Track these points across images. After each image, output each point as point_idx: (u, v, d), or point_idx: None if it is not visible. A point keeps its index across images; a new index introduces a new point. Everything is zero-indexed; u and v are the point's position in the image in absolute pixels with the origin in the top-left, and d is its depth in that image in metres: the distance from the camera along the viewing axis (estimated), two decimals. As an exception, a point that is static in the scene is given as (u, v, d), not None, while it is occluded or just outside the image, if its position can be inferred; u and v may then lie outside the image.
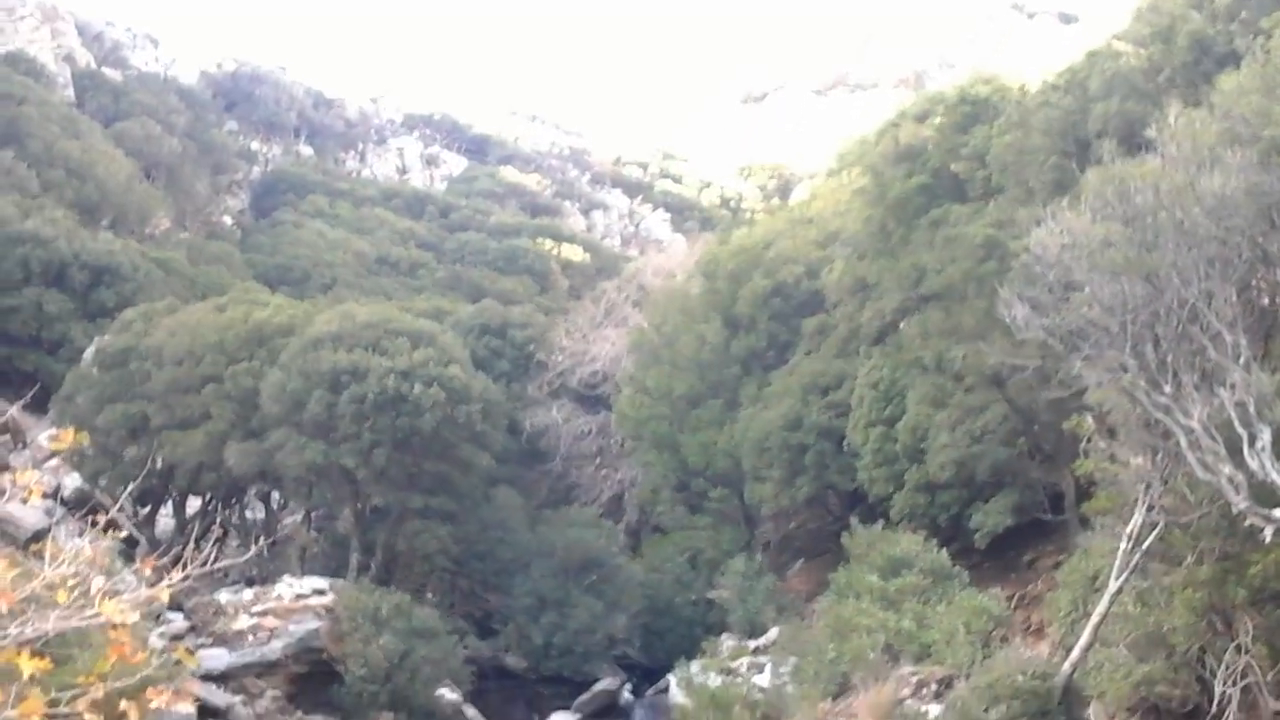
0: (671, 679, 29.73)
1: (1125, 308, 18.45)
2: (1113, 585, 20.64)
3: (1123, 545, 20.39)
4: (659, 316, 43.66)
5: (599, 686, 32.95)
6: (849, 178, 43.25)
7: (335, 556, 34.61)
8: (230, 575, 33.23)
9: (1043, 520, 28.90)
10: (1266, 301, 18.90)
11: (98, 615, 7.33)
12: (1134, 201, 18.49)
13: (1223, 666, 19.58)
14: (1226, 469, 17.78)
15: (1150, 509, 19.90)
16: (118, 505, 11.38)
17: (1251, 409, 17.30)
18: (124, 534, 27.51)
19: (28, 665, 6.66)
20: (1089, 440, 21.29)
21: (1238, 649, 19.66)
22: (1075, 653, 21.38)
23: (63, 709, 6.89)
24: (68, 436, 8.02)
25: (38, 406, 37.13)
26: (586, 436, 46.64)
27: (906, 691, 24.12)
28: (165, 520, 35.64)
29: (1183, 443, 18.61)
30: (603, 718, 32.27)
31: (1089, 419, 21.05)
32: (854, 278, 34.97)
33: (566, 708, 31.70)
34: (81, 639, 10.24)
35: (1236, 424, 17.37)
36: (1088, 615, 21.58)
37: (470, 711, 29.77)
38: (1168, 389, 18.75)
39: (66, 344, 42.87)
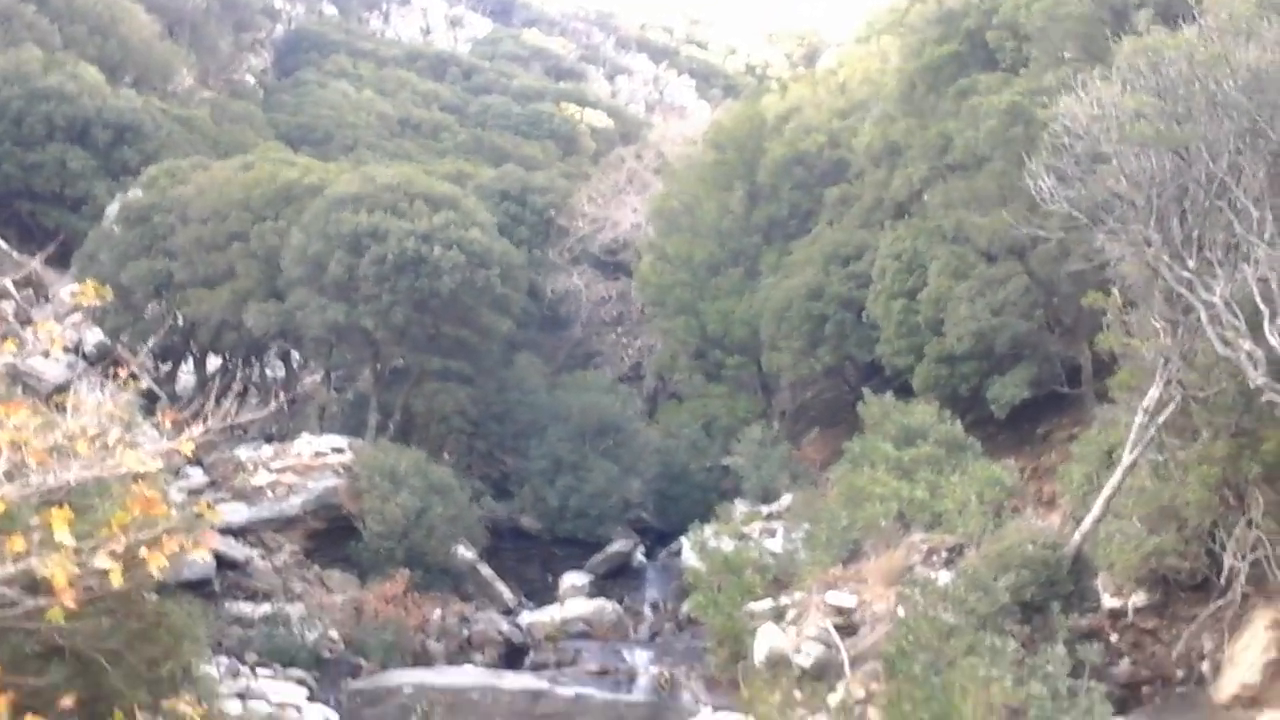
0: (684, 542, 30.01)
1: (1152, 181, 18.33)
2: (1127, 458, 20.72)
3: (1138, 419, 20.42)
4: (680, 184, 43.44)
5: (613, 548, 33.33)
6: (878, 45, 42.77)
7: (354, 416, 34.87)
8: (249, 432, 33.53)
9: (1060, 393, 28.95)
10: (1294, 177, 18.72)
11: (119, 466, 7.42)
12: (1167, 73, 18.27)
13: (1233, 540, 19.73)
14: (1246, 345, 17.78)
15: (1168, 383, 19.92)
16: (138, 359, 11.46)
17: (1274, 285, 17.25)
18: (144, 389, 27.75)
19: (59, 522, 6.73)
20: (1109, 314, 21.25)
21: (1249, 524, 19.81)
22: (1086, 524, 21.52)
23: (84, 558, 6.99)
24: (89, 289, 8.08)
25: (60, 262, 37.27)
26: (606, 303, 46.67)
27: (917, 558, 24.36)
28: (186, 377, 35.90)
29: (1203, 318, 18.59)
30: (616, 579, 32.68)
31: (1114, 292, 21.00)
32: (884, 141, 34.64)
33: (580, 568, 32.08)
34: (102, 490, 10.37)
35: (1258, 300, 17.33)
36: (1100, 488, 21.69)
37: (485, 570, 30.17)
38: (1191, 264, 18.69)
39: (89, 201, 42.86)
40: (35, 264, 29.72)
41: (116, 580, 6.91)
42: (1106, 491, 21.17)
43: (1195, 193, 18.27)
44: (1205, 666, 21.14)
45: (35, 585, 7.94)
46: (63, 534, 6.51)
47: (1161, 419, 20.38)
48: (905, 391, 30.81)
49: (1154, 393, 20.23)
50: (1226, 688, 20.56)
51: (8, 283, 33.19)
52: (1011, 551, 21.26)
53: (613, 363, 45.29)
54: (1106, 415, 23.66)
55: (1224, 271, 18.45)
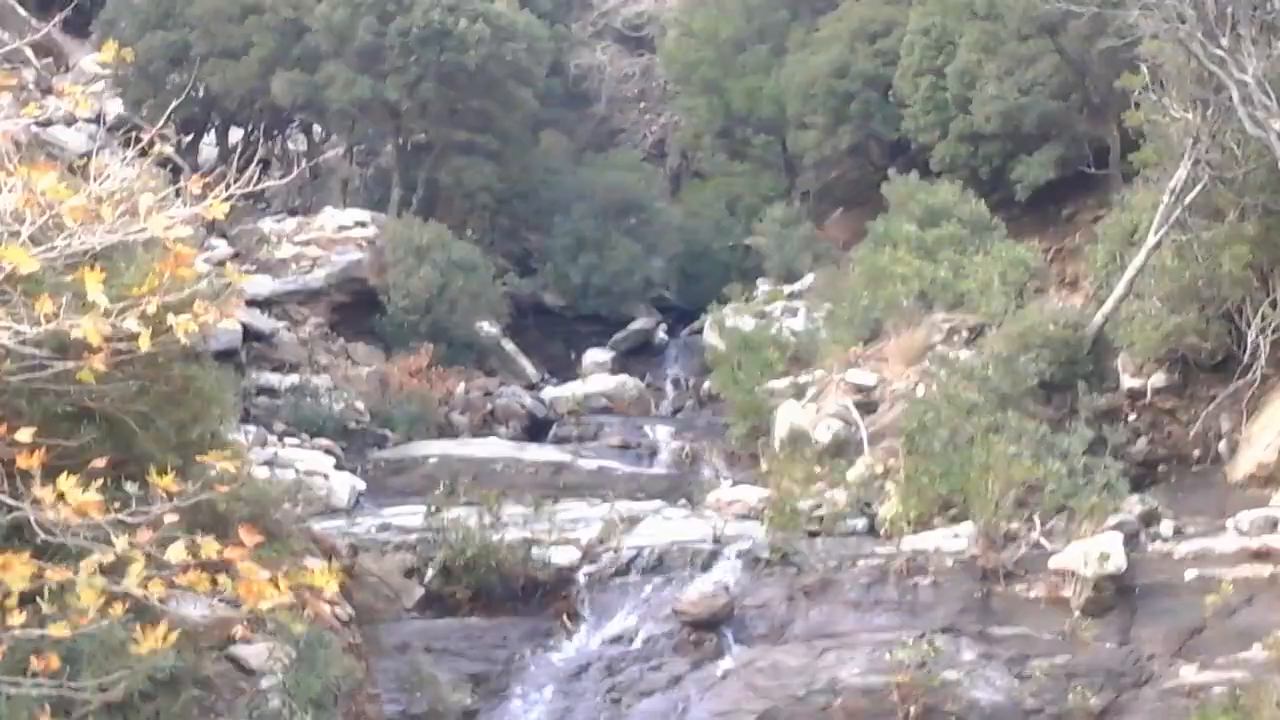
0: (706, 320, 30.17)
1: (1188, -46, 17.93)
2: (1151, 239, 20.69)
3: (1165, 199, 20.34)
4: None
5: (634, 325, 33.49)
6: None
7: (377, 191, 34.76)
8: (272, 206, 33.50)
9: (1085, 174, 28.71)
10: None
11: (145, 230, 7.43)
12: None
13: (1257, 319, 19.78)
14: (1276, 125, 17.60)
15: (1196, 163, 19.78)
16: (159, 127, 11.44)
17: (1308, 64, 16.98)
18: (166, 160, 27.71)
19: (92, 281, 6.75)
20: (1140, 93, 20.99)
21: (1273, 304, 19.83)
22: (1108, 304, 21.59)
23: (114, 320, 7.04)
24: (110, 49, 8.00)
25: (79, 30, 36.81)
26: (630, 80, 46.06)
27: (938, 337, 24.48)
28: (208, 149, 35.72)
29: (1235, 97, 18.37)
30: (638, 356, 32.90)
31: (1142, 70, 20.70)
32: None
33: (602, 345, 32.29)
34: (129, 256, 10.42)
35: (1291, 79, 17.08)
36: (1123, 268, 21.70)
37: (509, 345, 30.39)
38: (1224, 41, 18.39)
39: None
40: (52, 28, 29.29)
41: (145, 344, 6.97)
42: (1130, 272, 21.18)
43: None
44: (1222, 446, 21.39)
45: (65, 348, 8.04)
46: (96, 294, 6.55)
47: (1188, 200, 20.28)
48: (930, 172, 30.56)
49: (1181, 172, 20.10)
50: (1242, 467, 20.82)
51: (26, 48, 32.82)
52: (1033, 331, 21.38)
53: (636, 141, 44.85)
54: (1132, 196, 23.52)
55: (1257, 50, 18.16)
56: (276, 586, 6.78)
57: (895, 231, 27.71)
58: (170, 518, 6.70)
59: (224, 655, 12.90)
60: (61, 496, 6.30)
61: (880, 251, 27.36)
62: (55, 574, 6.24)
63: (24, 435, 6.40)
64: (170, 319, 7.12)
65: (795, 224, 34.04)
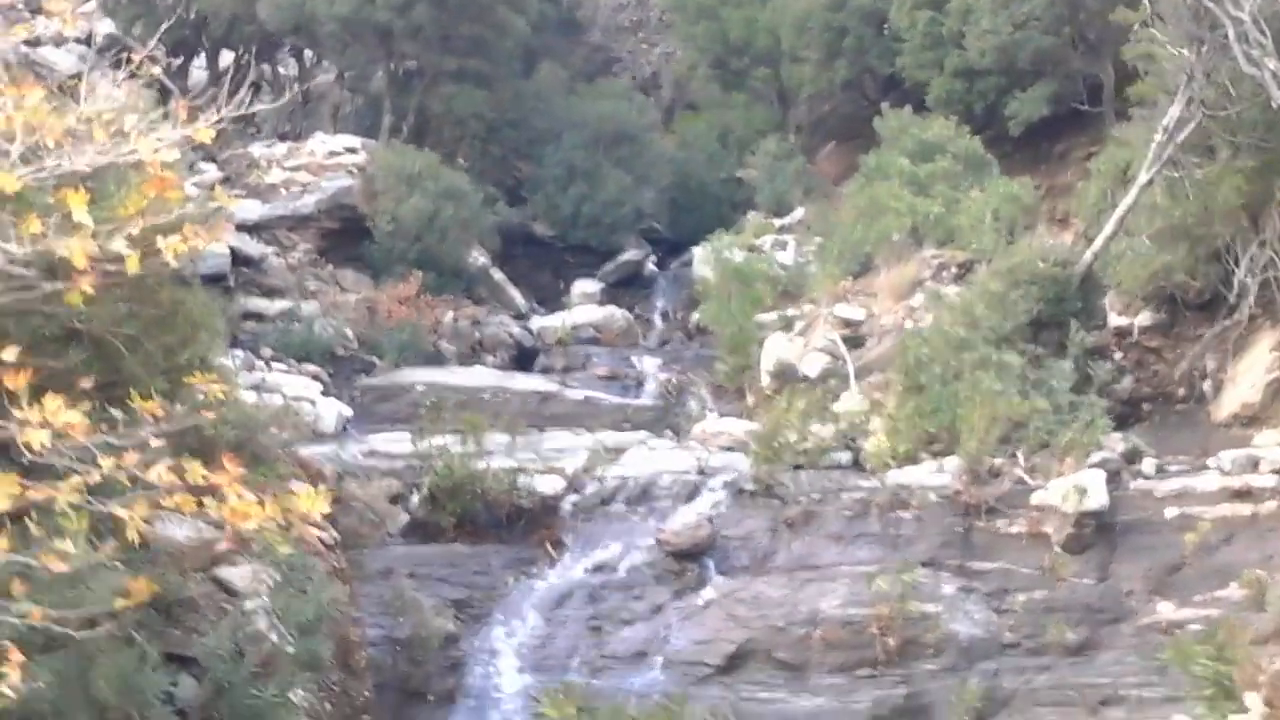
0: (696, 253, 30.15)
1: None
2: (1143, 177, 20.69)
3: (1157, 137, 20.32)
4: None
5: (624, 257, 33.43)
6: None
7: (367, 117, 34.58)
8: (262, 131, 33.34)
9: (1079, 112, 28.66)
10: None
11: (134, 152, 7.41)
12: None
13: (1246, 259, 19.83)
14: (1271, 64, 17.59)
15: (1190, 101, 19.75)
16: (150, 48, 11.34)
17: (1304, 4, 16.94)
18: (156, 82, 27.53)
19: (77, 202, 6.75)
20: (1138, 28, 20.93)
21: (1261, 244, 19.88)
22: (1098, 242, 21.61)
23: (101, 242, 7.04)
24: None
25: (67, -50, 36.47)
26: (626, 8, 45.77)
27: (927, 273, 24.53)
28: (198, 72, 35.53)
29: (1230, 35, 18.33)
30: (627, 287, 32.86)
31: (1143, 4, 20.61)
32: None
33: (591, 276, 32.25)
34: (118, 177, 10.39)
35: (1286, 19, 17.04)
36: (1114, 206, 21.71)
37: (497, 275, 30.33)
38: (1221, -21, 18.32)
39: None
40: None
41: (133, 266, 6.97)
42: (1120, 210, 21.19)
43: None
44: (1207, 385, 21.52)
45: (53, 269, 8.04)
46: (81, 214, 6.55)
47: (1181, 137, 20.27)
48: (924, 108, 30.48)
49: (1174, 110, 20.08)
50: (1226, 406, 20.96)
51: (15, -30, 32.56)
52: (1022, 268, 21.41)
53: (631, 70, 44.60)
54: (1125, 134, 23.51)
55: (1254, -12, 18.09)
56: (262, 508, 6.83)
57: (888, 166, 27.69)
58: (157, 441, 6.73)
59: (209, 577, 12.99)
60: (48, 418, 6.33)
61: (872, 186, 27.36)
62: (38, 492, 6.26)
63: (9, 355, 6.41)
64: (159, 242, 7.12)
65: (787, 158, 33.98)
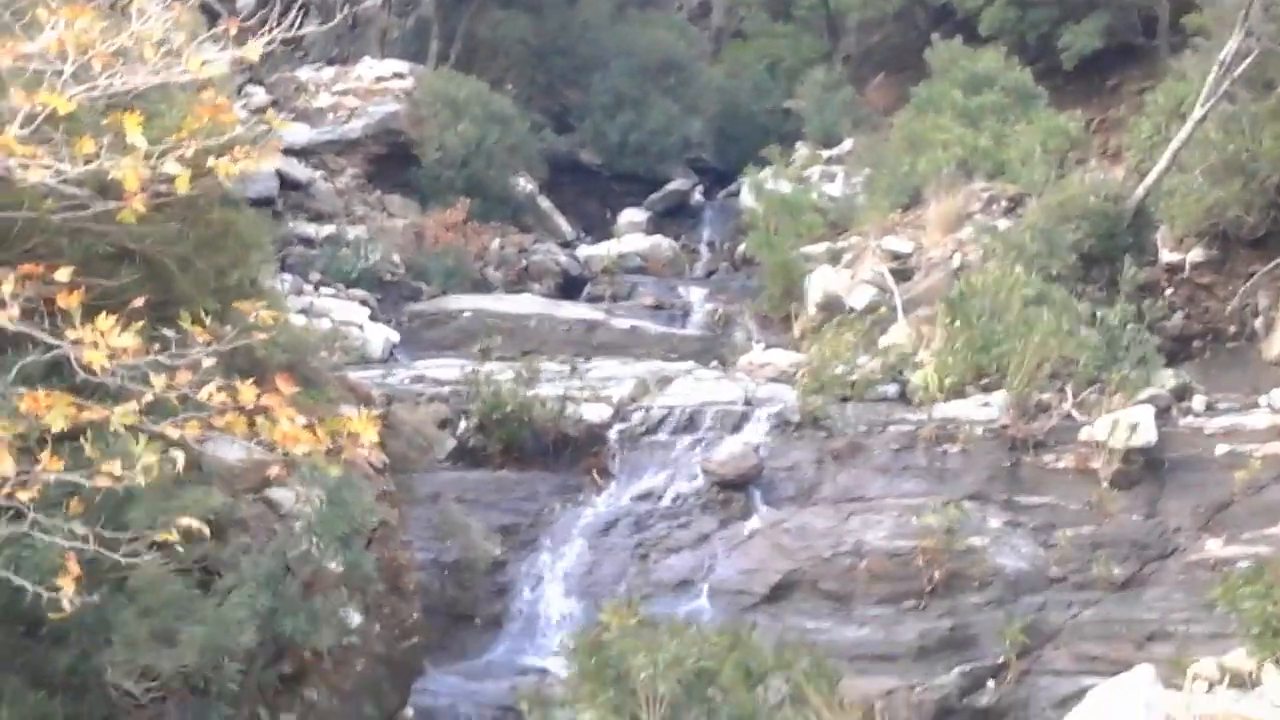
0: (743, 183, 29.97)
1: None
2: (1198, 111, 20.42)
3: (1213, 71, 20.03)
4: None
5: (671, 186, 33.26)
6: None
7: (415, 42, 34.45)
8: (310, 54, 33.29)
9: (1132, 45, 28.28)
10: None
11: (185, 72, 7.39)
12: None
13: (1300, 195, 19.59)
14: (1333, -4, 17.25)
15: (1248, 34, 19.44)
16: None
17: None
18: (205, 5, 27.47)
19: (131, 123, 6.73)
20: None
21: (1317, 180, 19.61)
22: (1150, 177, 21.37)
23: (154, 162, 7.03)
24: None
25: None
26: (675, -67, 45.36)
27: (976, 206, 24.32)
28: (246, -3, 35.46)
29: (1291, -34, 18.00)
30: (673, 217, 32.73)
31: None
32: None
33: (638, 205, 32.13)
34: (169, 98, 10.39)
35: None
36: (1167, 141, 21.45)
37: (544, 202, 30.28)
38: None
39: None
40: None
41: (184, 186, 6.96)
42: (1174, 144, 20.94)
43: None
44: (1258, 323, 21.31)
45: (105, 188, 8.05)
46: (134, 135, 6.53)
47: (1238, 72, 19.98)
48: (975, 38, 30.13)
49: (1232, 44, 19.78)
50: (1277, 344, 20.75)
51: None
52: (1073, 202, 21.22)
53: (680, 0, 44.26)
54: (1180, 68, 23.18)
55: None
56: (313, 433, 6.83)
57: (938, 98, 27.41)
58: (208, 361, 6.74)
59: (260, 499, 13.08)
60: (101, 336, 6.34)
61: (921, 118, 27.11)
62: (93, 413, 6.28)
63: (62, 274, 6.42)
64: (210, 162, 7.11)
65: (836, 88, 33.69)
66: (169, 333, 6.90)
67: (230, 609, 11.34)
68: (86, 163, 6.86)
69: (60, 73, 7.09)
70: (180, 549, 8.61)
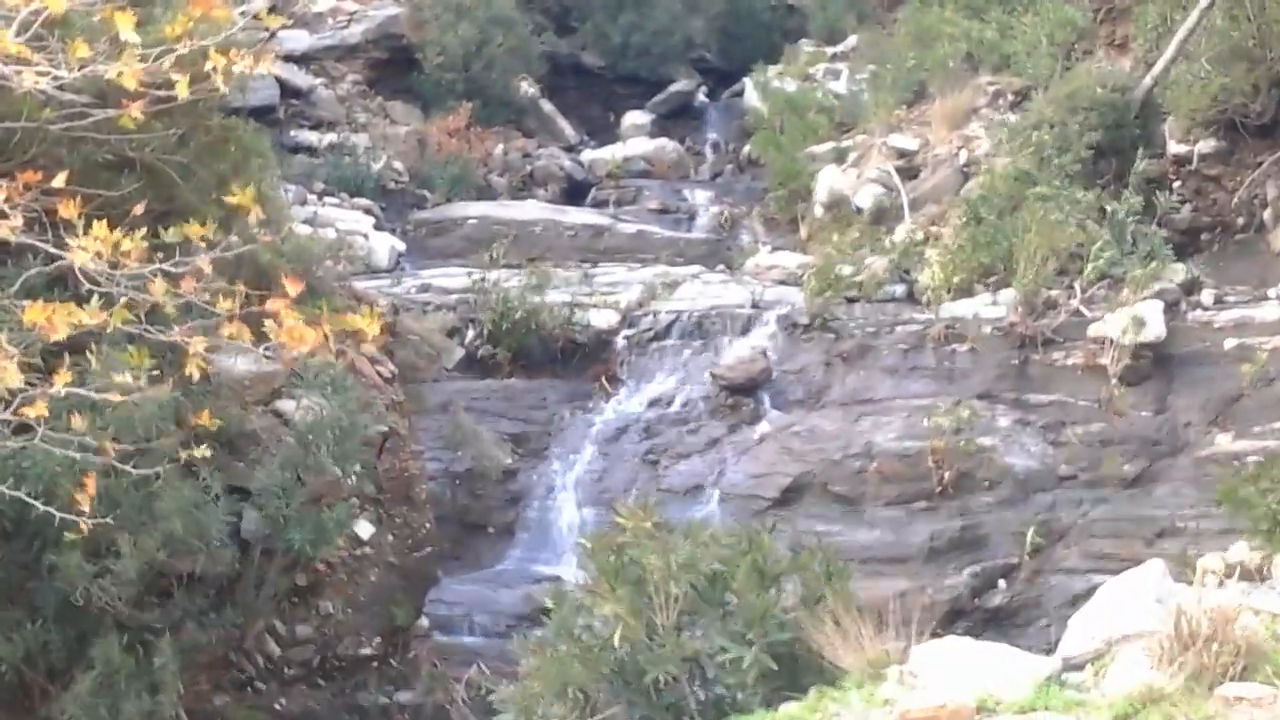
0: (747, 83, 29.68)
1: None
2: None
3: (1222, -44, 19.73)
4: None
5: (674, 88, 32.91)
6: None
7: (414, -57, 34.01)
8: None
9: (1140, -68, 27.77)
10: None
11: (179, -30, 7.24)
12: None
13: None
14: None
15: (1258, -80, 19.13)
16: None
17: None
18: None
19: (124, 22, 6.60)
20: None
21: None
22: (1158, 66, 21.12)
23: (149, 64, 6.90)
24: None
25: None
26: None
27: (983, 100, 24.06)
28: (240, -97, 35.02)
29: None
30: (677, 118, 32.41)
31: None
32: None
33: (641, 108, 31.83)
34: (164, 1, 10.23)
35: None
36: (1174, 30, 21.17)
37: (547, 106, 30.01)
38: None
39: None
40: None
41: (183, 90, 6.84)
42: (1180, 33, 20.68)
43: None
44: (1267, 214, 21.15)
45: (104, 95, 7.92)
46: (128, 33, 6.40)
47: (1246, -43, 19.68)
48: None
49: (1241, -71, 19.47)
50: (1286, 235, 20.63)
51: None
52: (1080, 94, 20.98)
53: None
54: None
55: None
56: (318, 331, 6.76)
57: (942, -10, 27.01)
58: (209, 269, 6.66)
59: (269, 410, 13.06)
60: (100, 244, 6.25)
61: (926, 10, 26.74)
62: (92, 315, 6.21)
63: (58, 181, 6.32)
64: (207, 64, 6.97)
65: (841, -21, 33.21)
66: (173, 236, 6.81)
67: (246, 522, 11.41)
68: (81, 67, 6.73)
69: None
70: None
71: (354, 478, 13.00)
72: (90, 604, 10.62)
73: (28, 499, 7.04)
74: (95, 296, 6.49)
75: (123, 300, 6.31)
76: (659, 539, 9.88)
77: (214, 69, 6.76)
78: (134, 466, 7.55)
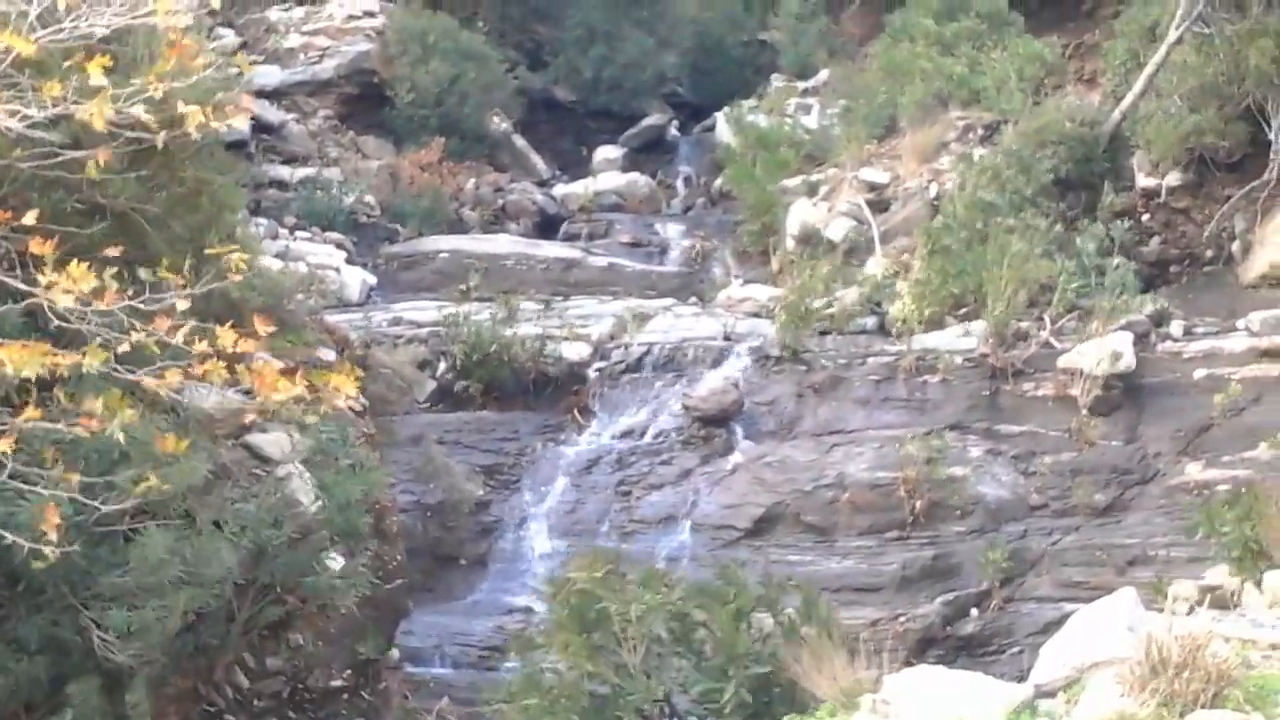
0: (719, 117, 29.81)
1: None
2: (1172, 34, 20.36)
3: (1187, -7, 19.94)
4: None
5: (646, 122, 33.02)
6: None
7: (385, -20, 34.12)
8: (280, -3, 32.89)
9: (1107, -33, 28.05)
10: None
11: (152, 13, 7.30)
12: None
13: (1277, 118, 19.56)
14: (1308, -84, 17.17)
15: (1222, -45, 19.36)
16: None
17: None
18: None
19: (96, 69, 6.66)
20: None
21: (1294, 101, 19.58)
22: (1126, 101, 21.33)
23: (121, 106, 6.95)
24: None
25: None
26: None
27: (952, 135, 24.22)
28: (213, -62, 35.09)
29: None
30: (649, 153, 32.49)
31: None
32: None
33: (613, 142, 31.93)
34: (138, 43, 10.24)
35: None
36: (1142, 65, 21.38)
37: (519, 141, 30.07)
38: None
39: None
40: None
41: (158, 137, 6.91)
42: (1149, 68, 20.88)
43: None
44: (1235, 247, 21.33)
45: (76, 139, 7.96)
46: (98, 76, 6.46)
47: (1211, -6, 19.90)
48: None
49: (1206, -35, 19.68)
50: (1255, 268, 20.80)
51: None
52: (1049, 128, 21.17)
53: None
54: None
55: None
56: (292, 380, 6.80)
57: (913, 26, 27.19)
58: (184, 305, 6.70)
59: (239, 444, 13.04)
60: (73, 283, 6.29)
61: (897, 46, 26.93)
62: (67, 358, 6.24)
63: (29, 218, 6.36)
64: (180, 108, 7.03)
65: (811, 18, 33.36)
66: (145, 274, 6.85)
67: (210, 540, 11.31)
68: (54, 105, 6.78)
69: (25, 14, 7.00)
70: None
71: (330, 514, 12.97)
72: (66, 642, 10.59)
73: (13, 539, 7.04)
74: (65, 334, 6.53)
75: (96, 341, 6.34)
76: (615, 589, 9.88)
77: (186, 116, 6.82)
78: (103, 501, 7.57)
